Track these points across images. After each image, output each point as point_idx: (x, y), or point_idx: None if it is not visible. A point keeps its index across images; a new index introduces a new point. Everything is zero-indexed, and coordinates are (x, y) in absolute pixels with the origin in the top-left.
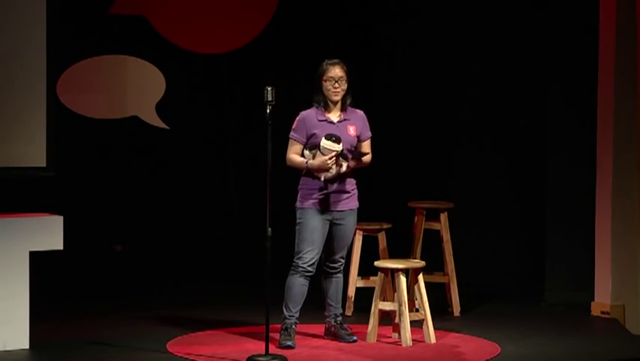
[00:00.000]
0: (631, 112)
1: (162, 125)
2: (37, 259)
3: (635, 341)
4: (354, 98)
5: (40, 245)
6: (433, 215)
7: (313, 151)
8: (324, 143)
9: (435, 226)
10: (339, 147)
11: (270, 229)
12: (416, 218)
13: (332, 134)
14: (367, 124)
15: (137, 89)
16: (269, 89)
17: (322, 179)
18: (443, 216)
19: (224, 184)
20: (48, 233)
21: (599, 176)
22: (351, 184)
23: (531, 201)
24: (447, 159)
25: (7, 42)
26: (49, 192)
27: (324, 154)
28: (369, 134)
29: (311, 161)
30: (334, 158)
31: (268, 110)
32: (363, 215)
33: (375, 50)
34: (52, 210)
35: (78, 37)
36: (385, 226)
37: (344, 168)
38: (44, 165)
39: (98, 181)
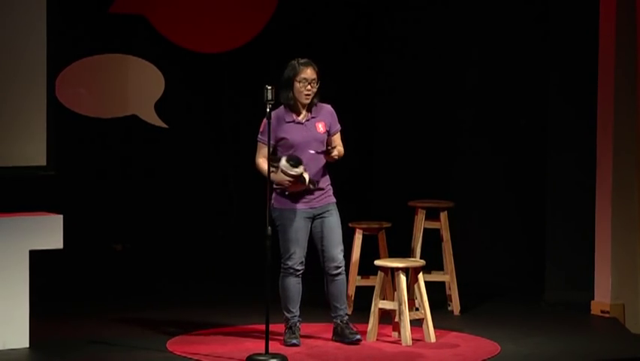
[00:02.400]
0: (631, 112)
1: (161, 124)
2: (37, 258)
3: (634, 340)
4: (354, 97)
5: (40, 244)
6: (433, 214)
7: (275, 164)
8: (283, 165)
9: (435, 225)
10: (297, 171)
11: (269, 228)
12: (416, 217)
13: (291, 157)
14: (336, 117)
15: (136, 88)
16: (269, 88)
17: (287, 193)
18: (443, 216)
19: (223, 183)
20: (48, 232)
21: (598, 175)
22: (324, 181)
23: (531, 200)
24: (447, 159)
25: (7, 41)
26: (49, 191)
27: (284, 172)
28: (339, 127)
29: (273, 175)
30: (291, 180)
31: (268, 109)
32: (363, 214)
33: (376, 49)
34: (52, 209)
35: (78, 36)
36: (385, 225)
37: (307, 186)
38: (44, 163)
39: (97, 180)
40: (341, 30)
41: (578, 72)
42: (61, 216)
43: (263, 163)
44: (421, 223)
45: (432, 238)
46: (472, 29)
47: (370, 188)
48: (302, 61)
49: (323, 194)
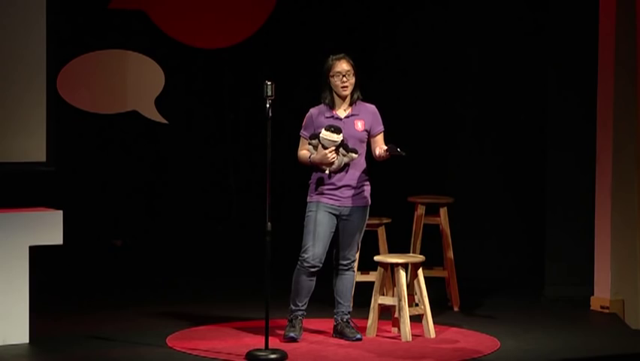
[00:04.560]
0: (631, 107)
1: (161, 119)
2: (37, 254)
3: (634, 335)
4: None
5: (40, 240)
6: (432, 210)
7: (314, 141)
8: (324, 134)
9: (435, 220)
10: (338, 138)
11: (269, 223)
12: (416, 213)
13: (331, 125)
14: (379, 118)
15: (136, 84)
16: (268, 83)
17: (327, 172)
18: (443, 211)
19: (223, 179)
20: (48, 228)
21: (598, 171)
22: (360, 180)
23: (531, 195)
24: (447, 154)
25: (7, 37)
26: (49, 186)
27: (324, 146)
28: (381, 128)
29: (313, 155)
30: (334, 150)
31: (268, 105)
32: None
33: (375, 44)
34: (52, 205)
35: (78, 32)
36: (385, 221)
37: (346, 159)
38: (44, 159)
39: (97, 176)
40: (341, 25)
41: (577, 68)
42: (61, 211)
43: (301, 153)
44: (420, 219)
45: (432, 234)
46: (471, 25)
47: (370, 183)
48: (335, 56)
49: (356, 194)
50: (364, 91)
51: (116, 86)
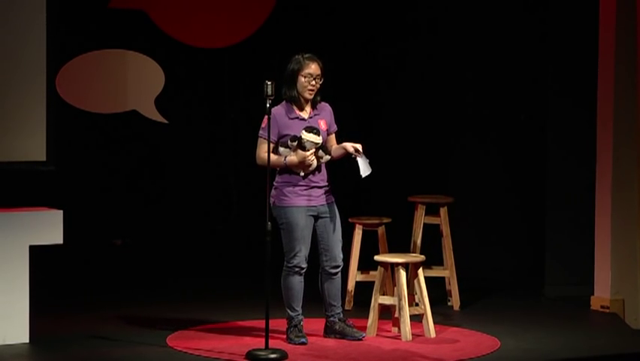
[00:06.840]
0: (631, 106)
1: (161, 119)
2: (37, 253)
3: (634, 335)
4: (355, 92)
5: (40, 239)
6: (432, 209)
7: (294, 143)
8: (306, 136)
9: (435, 220)
10: (319, 139)
11: (269, 223)
12: (416, 212)
13: (311, 126)
14: (333, 117)
15: (136, 84)
16: (269, 83)
17: (302, 174)
18: (443, 211)
19: (223, 179)
20: (48, 227)
21: (598, 170)
22: (326, 178)
23: (531, 195)
24: (447, 154)
25: (7, 36)
26: (49, 186)
27: (305, 147)
28: (335, 127)
29: (290, 157)
30: (314, 151)
31: (268, 104)
32: (363, 209)
33: (376, 44)
34: (52, 205)
35: (78, 32)
36: (385, 221)
37: (322, 161)
38: (44, 159)
39: (97, 175)
40: (341, 24)
41: (578, 67)
42: (61, 211)
43: (275, 157)
44: (420, 219)
45: (432, 234)
46: (471, 25)
47: (370, 183)
48: (306, 55)
49: (326, 192)
50: (365, 91)
51: (116, 86)
